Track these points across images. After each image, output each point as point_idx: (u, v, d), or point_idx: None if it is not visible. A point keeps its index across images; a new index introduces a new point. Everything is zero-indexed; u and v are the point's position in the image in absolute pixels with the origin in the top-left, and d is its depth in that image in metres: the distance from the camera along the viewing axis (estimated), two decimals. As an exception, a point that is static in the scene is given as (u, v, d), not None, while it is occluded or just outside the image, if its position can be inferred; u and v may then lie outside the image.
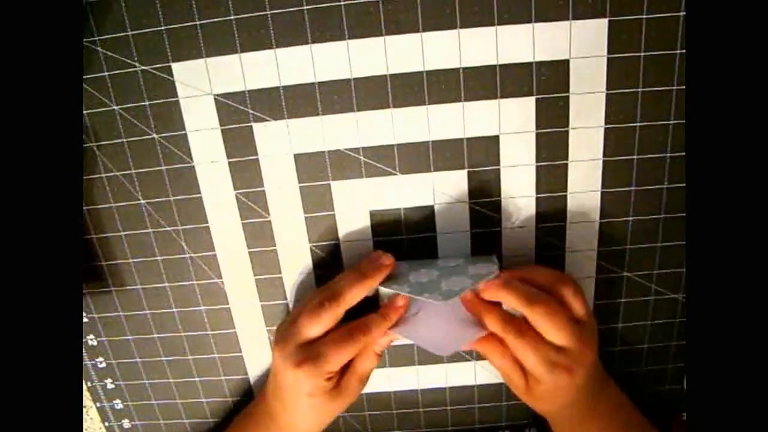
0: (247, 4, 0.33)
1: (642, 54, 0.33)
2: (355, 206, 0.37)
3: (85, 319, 0.41)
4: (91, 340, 0.42)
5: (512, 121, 0.35)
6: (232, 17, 0.33)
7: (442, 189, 0.37)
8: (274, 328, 0.38)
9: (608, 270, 0.39)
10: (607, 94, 0.34)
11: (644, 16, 0.33)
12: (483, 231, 0.37)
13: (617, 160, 0.36)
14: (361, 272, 0.34)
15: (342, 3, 0.33)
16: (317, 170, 0.36)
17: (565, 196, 0.37)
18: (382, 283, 0.35)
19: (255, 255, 0.39)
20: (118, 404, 0.44)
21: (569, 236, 0.38)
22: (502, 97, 0.34)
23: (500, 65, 0.34)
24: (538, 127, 0.35)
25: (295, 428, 0.37)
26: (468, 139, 0.35)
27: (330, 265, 0.39)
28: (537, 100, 0.34)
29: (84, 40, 0.34)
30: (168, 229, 0.38)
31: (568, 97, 0.34)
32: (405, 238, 0.38)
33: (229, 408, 0.44)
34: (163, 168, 0.37)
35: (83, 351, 0.42)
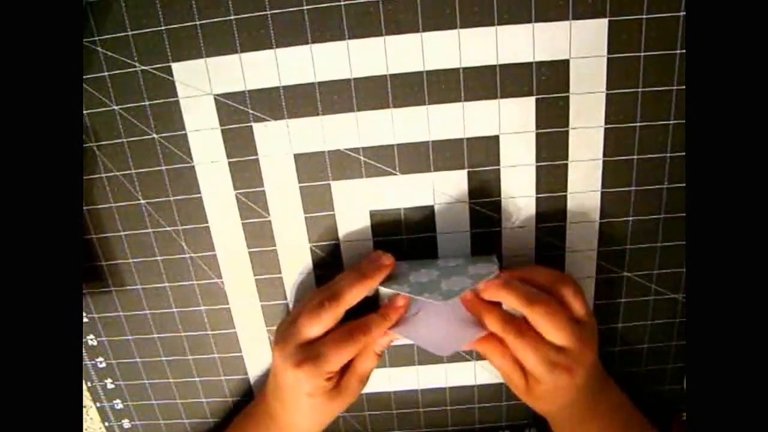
0: (247, 4, 0.33)
1: (642, 54, 0.33)
2: (355, 206, 0.37)
3: (85, 319, 0.41)
4: (91, 340, 0.42)
5: (512, 121, 0.35)
6: (232, 17, 0.33)
7: (442, 189, 0.37)
8: (274, 328, 0.38)
9: (608, 270, 0.39)
10: (607, 94, 0.34)
11: (644, 16, 0.33)
12: (483, 231, 0.37)
13: (617, 160, 0.36)
14: (361, 272, 0.34)
15: (342, 3, 0.33)
16: (317, 170, 0.36)
17: (565, 196, 0.37)
18: (382, 283, 0.35)
19: (255, 255, 0.39)
20: (118, 404, 0.44)
21: (569, 236, 0.38)
22: (502, 97, 0.34)
23: (500, 65, 0.34)
24: (538, 127, 0.35)
25: (295, 428, 0.37)
26: (468, 139, 0.35)
27: (330, 265, 0.39)
28: (537, 100, 0.34)
29: (84, 40, 0.34)
30: (168, 229, 0.38)
31: (568, 97, 0.34)
32: (405, 238, 0.38)
33: (229, 408, 0.44)
34: (163, 168, 0.37)
35: (83, 351, 0.42)
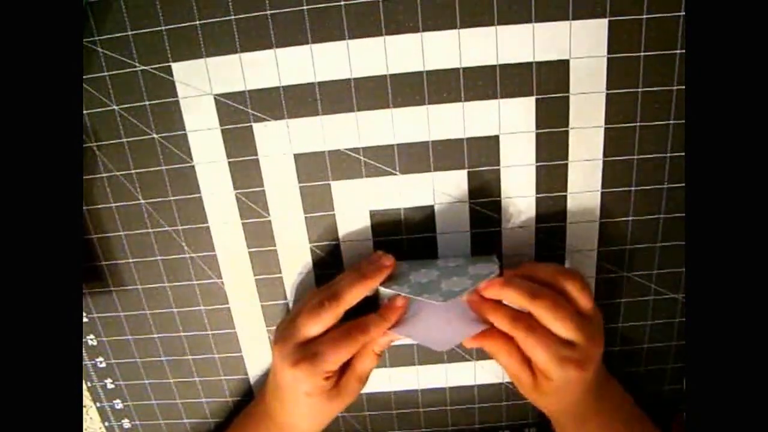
0: (247, 4, 0.33)
1: (642, 54, 0.33)
2: (355, 206, 0.37)
3: (85, 319, 0.41)
4: (91, 340, 0.42)
5: (512, 121, 0.35)
6: (232, 17, 0.33)
7: (442, 189, 0.37)
8: (274, 328, 0.38)
9: (608, 270, 0.39)
10: (607, 94, 0.34)
11: (644, 16, 0.33)
12: (483, 231, 0.37)
13: (617, 160, 0.36)
14: (362, 273, 0.34)
15: (342, 3, 0.33)
16: (317, 170, 0.36)
17: (565, 196, 0.37)
18: (383, 284, 0.35)
19: (255, 255, 0.39)
20: (118, 404, 0.44)
21: (569, 236, 0.38)
22: (502, 97, 0.34)
23: (500, 65, 0.34)
24: (538, 127, 0.35)
25: (294, 428, 0.37)
26: (468, 139, 0.35)
27: (330, 265, 0.39)
28: (537, 100, 0.34)
29: (84, 40, 0.34)
30: (168, 229, 0.38)
31: (568, 97, 0.34)
32: (405, 238, 0.38)
33: (229, 408, 0.44)
34: (163, 168, 0.37)
35: (83, 351, 0.42)
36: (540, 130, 0.35)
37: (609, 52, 0.33)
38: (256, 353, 0.42)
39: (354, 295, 0.33)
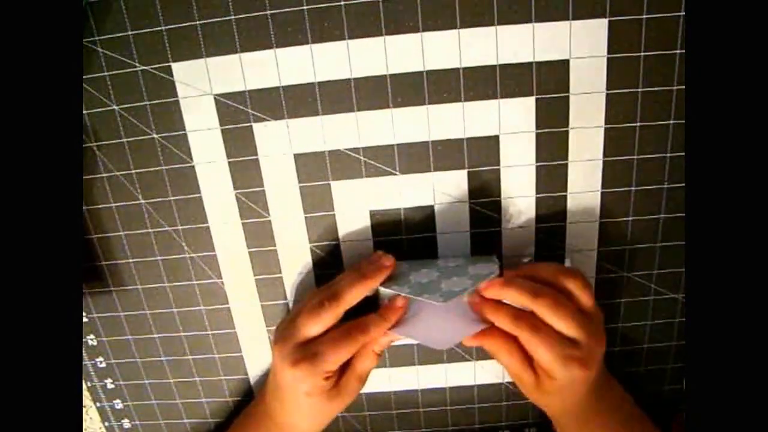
0: (247, 4, 0.33)
1: (642, 54, 0.33)
2: (355, 206, 0.37)
3: (85, 319, 0.41)
4: (91, 340, 0.42)
5: (512, 121, 0.35)
6: (232, 17, 0.33)
7: (442, 189, 0.37)
8: (274, 328, 0.38)
9: (608, 270, 0.39)
10: (607, 94, 0.34)
11: (644, 16, 0.33)
12: (483, 231, 0.37)
13: (617, 160, 0.36)
14: (362, 273, 0.34)
15: (342, 3, 0.33)
16: (317, 170, 0.36)
17: (565, 196, 0.37)
18: (383, 284, 0.35)
19: (255, 255, 0.39)
20: (118, 404, 0.44)
21: (569, 236, 0.38)
22: (502, 97, 0.34)
23: (500, 65, 0.34)
24: (538, 127, 0.35)
25: (294, 428, 0.37)
26: (468, 139, 0.35)
27: (330, 265, 0.39)
28: (537, 100, 0.34)
29: (84, 40, 0.34)
30: (168, 229, 0.38)
31: (568, 97, 0.34)
32: (405, 238, 0.38)
33: (229, 408, 0.44)
34: (163, 168, 0.37)
35: (83, 351, 0.42)
36: (540, 130, 0.35)
37: (609, 52, 0.33)
38: (256, 353, 0.42)
39: (354, 295, 0.33)
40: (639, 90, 0.34)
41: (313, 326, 0.33)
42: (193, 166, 0.37)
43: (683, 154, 0.35)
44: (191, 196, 0.37)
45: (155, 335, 0.42)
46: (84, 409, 0.45)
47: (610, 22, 0.33)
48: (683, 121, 0.35)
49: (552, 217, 0.37)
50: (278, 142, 0.36)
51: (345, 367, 0.35)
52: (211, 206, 0.38)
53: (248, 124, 0.36)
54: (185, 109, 0.35)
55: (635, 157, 0.36)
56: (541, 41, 0.33)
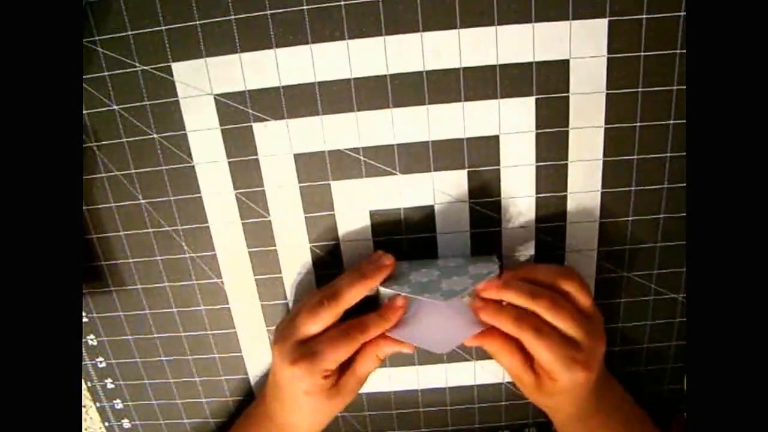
0: (247, 4, 0.33)
1: (642, 54, 0.33)
2: (355, 206, 0.37)
3: (85, 319, 0.41)
4: (91, 340, 0.42)
5: (512, 121, 0.35)
6: (232, 17, 0.33)
7: (442, 189, 0.37)
8: (274, 327, 0.38)
9: (608, 270, 0.39)
10: (607, 94, 0.34)
11: (644, 16, 0.33)
12: (483, 231, 0.37)
13: (617, 160, 0.36)
14: (362, 272, 0.34)
15: (342, 3, 0.33)
16: (317, 170, 0.36)
17: (565, 196, 0.37)
18: (383, 283, 0.35)
19: (255, 255, 0.39)
20: (118, 404, 0.44)
21: (569, 236, 0.38)
22: (502, 97, 0.34)
23: (500, 65, 0.34)
24: (538, 127, 0.35)
25: (294, 428, 0.37)
26: (468, 139, 0.35)
27: (330, 265, 0.39)
28: (537, 100, 0.34)
29: (84, 40, 0.34)
30: (168, 229, 0.38)
31: (568, 97, 0.34)
32: (405, 238, 0.38)
33: (229, 408, 0.44)
34: (163, 168, 0.37)
35: (83, 351, 0.42)
36: (540, 130, 0.35)
37: (609, 52, 0.33)
38: (256, 353, 0.42)
39: (354, 295, 0.33)
40: (639, 90, 0.34)
41: (313, 325, 0.33)
42: (193, 166, 0.37)
43: (683, 154, 0.35)
44: (191, 196, 0.37)
45: (155, 335, 0.42)
46: (84, 409, 0.45)
47: (610, 22, 0.33)
48: (683, 121, 0.35)
49: (552, 217, 0.37)
50: (278, 142, 0.36)
51: (345, 367, 0.35)
52: (211, 206, 0.38)
53: (248, 124, 0.36)
54: (185, 109, 0.35)
55: (635, 157, 0.36)
56: (541, 41, 0.33)
